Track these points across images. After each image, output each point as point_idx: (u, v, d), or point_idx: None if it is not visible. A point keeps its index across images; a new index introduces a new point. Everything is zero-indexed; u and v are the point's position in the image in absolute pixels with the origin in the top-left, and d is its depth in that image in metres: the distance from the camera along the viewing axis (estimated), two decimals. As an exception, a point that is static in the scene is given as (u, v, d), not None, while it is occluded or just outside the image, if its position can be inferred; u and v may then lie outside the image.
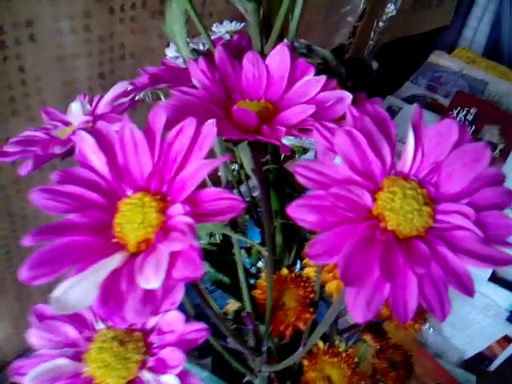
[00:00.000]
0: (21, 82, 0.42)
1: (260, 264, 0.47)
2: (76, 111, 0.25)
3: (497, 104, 0.99)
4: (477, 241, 0.18)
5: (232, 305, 0.49)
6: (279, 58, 0.26)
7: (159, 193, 0.21)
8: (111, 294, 0.18)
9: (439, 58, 1.06)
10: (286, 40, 0.27)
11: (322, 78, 0.25)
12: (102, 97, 0.28)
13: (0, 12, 0.38)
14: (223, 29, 0.40)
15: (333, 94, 0.25)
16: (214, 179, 0.38)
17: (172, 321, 0.20)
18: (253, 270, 0.44)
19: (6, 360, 0.59)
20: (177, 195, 0.20)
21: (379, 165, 0.19)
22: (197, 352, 0.69)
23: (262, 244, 0.37)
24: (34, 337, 0.21)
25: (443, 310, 0.17)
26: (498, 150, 0.91)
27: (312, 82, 0.25)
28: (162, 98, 0.36)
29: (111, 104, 0.26)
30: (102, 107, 0.26)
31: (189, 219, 0.18)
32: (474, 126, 0.93)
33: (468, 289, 0.17)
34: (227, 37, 0.42)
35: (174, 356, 0.20)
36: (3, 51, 0.39)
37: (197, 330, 0.20)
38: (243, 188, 0.48)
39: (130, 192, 0.21)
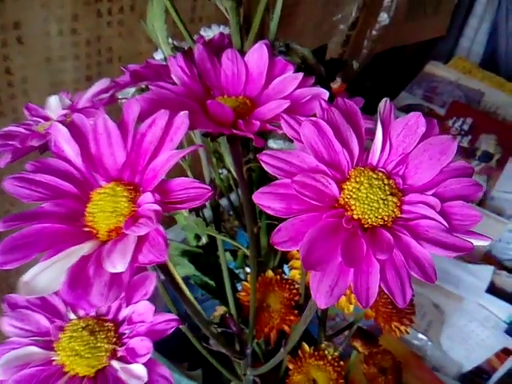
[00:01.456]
0: (7, 83, 0.43)
1: (248, 269, 0.47)
2: (54, 105, 0.26)
3: (493, 115, 0.99)
4: (441, 230, 0.18)
5: (219, 311, 0.49)
6: (258, 55, 0.26)
7: (132, 183, 0.21)
8: (78, 279, 0.18)
9: (435, 68, 1.07)
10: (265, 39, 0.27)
11: (299, 75, 0.25)
12: (83, 94, 0.28)
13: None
14: (211, 33, 0.41)
15: (309, 90, 0.25)
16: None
17: (142, 311, 0.21)
18: (242, 275, 0.44)
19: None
20: (148, 184, 0.20)
21: (346, 156, 0.19)
22: (187, 363, 0.69)
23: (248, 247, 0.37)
24: (6, 325, 0.21)
25: (404, 295, 0.17)
26: (494, 160, 0.91)
27: (289, 79, 0.25)
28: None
29: (91, 99, 0.26)
30: (82, 102, 0.27)
31: (156, 206, 0.18)
32: (470, 136, 0.93)
33: (429, 276, 0.17)
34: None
35: (142, 345, 0.20)
36: (-10, 53, 0.40)
37: (166, 321, 0.20)
38: (233, 195, 0.48)
39: (103, 182, 0.21)
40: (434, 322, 0.81)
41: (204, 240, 0.40)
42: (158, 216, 0.18)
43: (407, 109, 1.00)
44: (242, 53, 0.27)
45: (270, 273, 0.39)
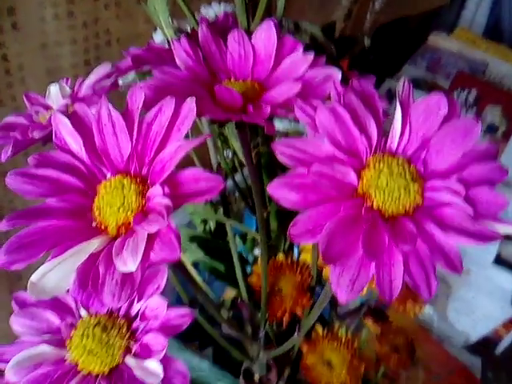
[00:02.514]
0: (4, 71, 0.41)
1: (256, 252, 0.46)
2: (55, 94, 0.25)
3: (498, 85, 0.97)
4: (466, 218, 0.17)
5: (229, 294, 0.49)
6: (265, 35, 0.25)
7: (139, 175, 0.20)
8: (89, 277, 0.17)
9: (438, 40, 1.04)
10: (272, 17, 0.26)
11: (310, 55, 0.24)
12: (84, 80, 0.27)
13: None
14: (211, 11, 0.39)
15: (321, 71, 0.24)
16: (207, 166, 0.38)
17: (155, 306, 0.20)
18: (250, 258, 0.43)
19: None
20: (156, 177, 0.19)
21: (364, 142, 0.18)
22: (197, 342, 0.69)
23: (258, 231, 0.36)
24: (16, 324, 0.20)
25: (429, 288, 0.16)
26: (500, 132, 0.90)
27: (299, 60, 0.24)
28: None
29: (93, 86, 0.25)
30: (84, 90, 0.26)
31: (166, 200, 0.17)
32: (475, 108, 0.91)
33: (455, 266, 0.16)
34: (216, 19, 0.41)
35: (157, 341, 0.19)
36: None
37: (180, 315, 0.20)
38: (238, 176, 0.47)
39: (109, 175, 0.20)
40: (441, 295, 0.81)
41: (212, 224, 0.39)
42: (168, 211, 0.17)
43: (412, 82, 0.98)
44: (249, 33, 0.26)
45: (280, 256, 0.38)
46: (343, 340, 0.38)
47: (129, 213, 0.19)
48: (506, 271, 0.82)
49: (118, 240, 0.18)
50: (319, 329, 0.39)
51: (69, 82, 0.28)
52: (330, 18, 0.66)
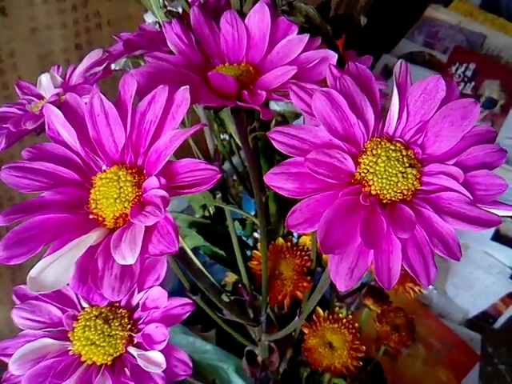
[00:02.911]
0: (-5, 58, 0.41)
1: (256, 235, 0.46)
2: (46, 84, 0.24)
3: (496, 58, 0.96)
4: (464, 202, 0.17)
5: (230, 277, 0.49)
6: (259, 17, 0.24)
7: (135, 166, 0.20)
8: (88, 271, 0.17)
9: (435, 12, 1.02)
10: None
11: (305, 37, 0.24)
12: (75, 67, 0.27)
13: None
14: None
15: (316, 53, 0.23)
16: (204, 150, 0.37)
17: (156, 297, 0.20)
18: (250, 241, 0.44)
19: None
20: (152, 167, 0.19)
21: (361, 127, 0.18)
22: (200, 325, 0.70)
23: (257, 215, 0.36)
24: (17, 317, 0.21)
25: (428, 274, 0.16)
26: (498, 106, 0.89)
27: (294, 42, 0.24)
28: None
29: (84, 74, 0.25)
30: (75, 78, 0.25)
31: (162, 192, 0.17)
32: (473, 82, 0.90)
33: (454, 252, 0.16)
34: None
35: (158, 332, 0.19)
36: (-27, 28, 0.38)
37: (181, 305, 0.20)
38: (235, 159, 0.47)
39: (104, 166, 0.20)
40: (439, 271, 0.82)
41: (211, 210, 0.39)
42: (165, 203, 0.17)
43: (409, 57, 0.97)
44: (242, 14, 0.25)
45: (280, 240, 0.38)
46: (344, 321, 0.39)
47: (125, 204, 0.19)
48: (504, 247, 0.82)
49: (116, 232, 0.18)
50: (320, 311, 0.39)
51: (60, 69, 0.28)
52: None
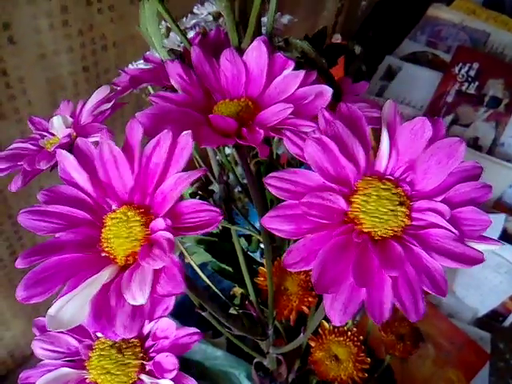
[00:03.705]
0: (5, 85, 0.42)
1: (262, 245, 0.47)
2: (58, 125, 0.26)
3: (500, 56, 0.96)
4: (451, 239, 0.18)
5: (238, 288, 0.50)
6: (257, 53, 0.26)
7: (143, 205, 0.21)
8: (102, 310, 0.18)
9: (438, 11, 1.02)
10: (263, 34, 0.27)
11: (301, 73, 0.25)
12: (84, 103, 0.28)
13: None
14: (205, 10, 0.39)
15: (312, 89, 0.24)
16: (208, 164, 0.39)
17: (165, 327, 0.21)
18: (258, 257, 0.45)
19: (24, 354, 0.62)
20: (159, 207, 0.20)
21: (353, 168, 0.19)
22: (211, 332, 0.71)
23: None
24: (38, 348, 0.22)
25: (417, 310, 0.17)
26: (502, 105, 0.89)
27: (290, 78, 0.25)
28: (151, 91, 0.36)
29: (93, 112, 0.26)
30: (85, 116, 0.27)
31: (169, 234, 0.19)
32: (477, 82, 0.90)
33: (441, 289, 0.17)
34: (209, 18, 0.41)
35: (168, 361, 0.21)
36: (-16, 58, 0.40)
37: (188, 335, 0.21)
38: (239, 168, 0.48)
39: (114, 206, 0.21)
40: (447, 271, 0.83)
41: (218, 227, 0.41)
42: (171, 247, 0.18)
43: (412, 58, 0.97)
44: (240, 50, 0.27)
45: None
46: (349, 334, 0.40)
47: (135, 243, 0.20)
48: (511, 246, 0.82)
49: (126, 273, 0.19)
50: (325, 324, 0.40)
51: (70, 104, 0.29)
52: (321, 15, 0.66)
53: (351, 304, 0.17)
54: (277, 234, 0.18)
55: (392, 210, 0.19)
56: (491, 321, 0.86)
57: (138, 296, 0.18)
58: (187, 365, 0.69)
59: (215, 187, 0.49)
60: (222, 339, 0.73)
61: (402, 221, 0.19)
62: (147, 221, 0.20)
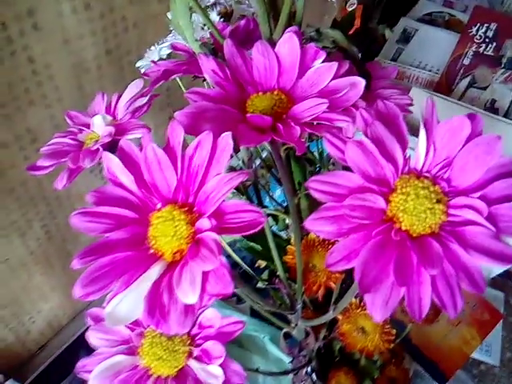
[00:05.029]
0: (32, 72, 0.43)
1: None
2: (99, 124, 0.26)
3: None
4: (488, 236, 0.19)
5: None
6: (289, 46, 0.26)
7: (186, 204, 0.22)
8: (156, 306, 0.20)
9: (454, -31, 0.98)
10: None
11: (334, 65, 0.25)
12: (119, 97, 0.29)
13: (0, 10, 0.38)
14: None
15: (345, 81, 0.25)
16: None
17: (210, 317, 0.23)
18: (284, 234, 0.46)
19: (61, 323, 0.66)
20: (202, 206, 0.21)
21: (391, 168, 0.19)
22: (235, 298, 0.74)
23: (287, 209, 0.38)
24: (93, 337, 0.24)
25: (455, 306, 0.18)
26: None
27: (324, 69, 0.25)
28: (179, 82, 0.37)
29: (128, 107, 0.27)
30: (122, 113, 0.27)
31: (215, 235, 0.19)
32: (494, 43, 0.87)
33: (479, 286, 0.18)
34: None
35: (216, 348, 0.22)
36: (10, 46, 0.40)
37: (233, 323, 0.23)
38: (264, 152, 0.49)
39: (159, 205, 0.22)
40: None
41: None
42: (219, 247, 0.19)
43: (429, 19, 0.94)
44: (272, 42, 0.27)
45: (312, 235, 0.40)
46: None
47: (181, 241, 0.21)
48: None
49: (176, 271, 0.20)
50: (352, 299, 0.42)
51: (105, 97, 0.30)
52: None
53: (391, 301, 0.18)
54: (319, 235, 0.19)
55: (430, 208, 0.19)
56: (506, 280, 0.86)
57: (189, 294, 0.19)
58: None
59: (234, 162, 0.50)
60: (246, 305, 0.75)
61: (440, 218, 0.19)
62: (192, 219, 0.21)
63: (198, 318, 0.24)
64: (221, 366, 0.22)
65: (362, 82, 0.24)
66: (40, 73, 0.43)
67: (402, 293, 0.18)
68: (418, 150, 0.20)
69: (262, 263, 0.56)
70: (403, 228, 0.19)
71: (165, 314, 0.19)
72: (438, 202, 0.19)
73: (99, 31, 0.46)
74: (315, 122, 0.24)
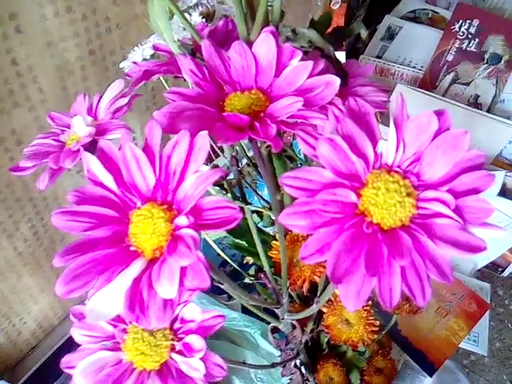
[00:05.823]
0: (16, 74, 0.43)
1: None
2: (78, 125, 0.27)
3: (500, 11, 0.94)
4: (456, 227, 0.19)
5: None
6: (265, 45, 0.26)
7: (165, 202, 0.23)
8: (136, 302, 0.20)
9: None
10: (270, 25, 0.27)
11: (309, 64, 0.25)
12: (100, 97, 0.29)
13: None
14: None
15: (321, 79, 0.25)
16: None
17: (191, 311, 0.23)
18: (271, 231, 0.47)
19: (52, 324, 0.66)
20: (181, 203, 0.22)
21: (362, 163, 0.20)
22: (226, 295, 0.75)
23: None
24: (76, 334, 0.24)
25: (424, 295, 0.19)
26: (503, 61, 0.88)
27: (299, 69, 0.26)
28: (164, 82, 0.37)
29: (109, 108, 0.27)
30: (102, 113, 0.28)
31: (193, 232, 0.20)
32: (477, 39, 0.89)
33: (446, 276, 0.19)
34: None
35: (197, 342, 0.23)
36: (-7, 49, 0.40)
37: (213, 317, 0.23)
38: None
39: (139, 203, 0.23)
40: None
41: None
42: (196, 243, 0.20)
43: (413, 16, 0.95)
44: (249, 41, 0.27)
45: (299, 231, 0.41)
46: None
47: (160, 238, 0.22)
48: (511, 201, 0.83)
49: (155, 267, 0.21)
50: (336, 291, 0.42)
51: (86, 98, 0.30)
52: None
53: (363, 291, 0.19)
54: (293, 229, 0.19)
55: (399, 202, 0.20)
56: (491, 271, 0.88)
57: (167, 289, 0.19)
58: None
59: (219, 162, 0.50)
60: (237, 301, 0.76)
61: (410, 211, 0.20)
62: (171, 216, 0.22)
63: (179, 312, 0.24)
64: (202, 359, 0.22)
65: (336, 81, 0.25)
66: (24, 75, 0.44)
67: (373, 283, 0.19)
68: (389, 146, 0.21)
69: (250, 259, 0.57)
70: (374, 221, 0.20)
71: (144, 310, 0.20)
72: (408, 195, 0.20)
73: (82, 32, 0.46)
74: (292, 120, 0.25)
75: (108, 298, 0.21)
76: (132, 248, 0.22)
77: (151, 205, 0.22)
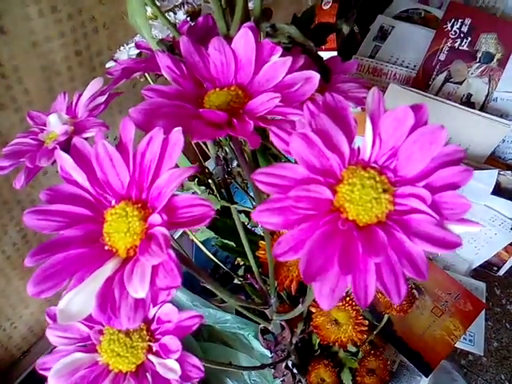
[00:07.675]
0: (0, 75, 0.43)
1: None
2: (55, 123, 0.26)
3: (492, 9, 0.94)
4: (432, 223, 0.19)
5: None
6: (244, 41, 0.26)
7: (140, 200, 0.22)
8: (107, 302, 0.20)
9: (430, -34, 0.99)
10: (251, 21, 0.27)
11: (288, 60, 0.25)
12: (80, 96, 0.29)
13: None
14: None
15: (300, 75, 0.25)
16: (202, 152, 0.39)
17: (168, 312, 0.23)
18: (259, 230, 0.46)
19: (43, 328, 0.65)
20: (155, 202, 0.22)
21: (337, 159, 0.20)
22: (220, 298, 0.74)
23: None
24: (51, 336, 0.24)
25: (399, 292, 0.18)
26: (495, 60, 0.88)
27: (279, 64, 0.25)
28: (149, 78, 0.37)
29: (88, 106, 0.27)
30: (81, 111, 0.27)
31: (164, 230, 0.20)
32: (469, 38, 0.88)
33: (421, 273, 0.18)
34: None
35: (173, 343, 0.22)
36: (-23, 51, 0.40)
37: (190, 318, 0.23)
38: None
39: (113, 201, 0.22)
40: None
41: (218, 206, 0.42)
42: (167, 242, 0.19)
43: (405, 16, 0.95)
44: (229, 37, 0.27)
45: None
46: (347, 299, 0.42)
47: (134, 237, 0.21)
48: (504, 200, 0.82)
49: (128, 266, 0.20)
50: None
51: (66, 97, 0.30)
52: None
53: (338, 289, 0.18)
54: (266, 226, 0.19)
55: (375, 198, 0.19)
56: (486, 270, 0.88)
57: (139, 289, 0.19)
58: (197, 329, 0.72)
59: (211, 164, 0.50)
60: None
61: (386, 207, 0.20)
62: (145, 215, 0.22)
63: (156, 313, 0.24)
64: (178, 360, 0.22)
65: (316, 76, 0.25)
66: (8, 76, 0.43)
67: (348, 282, 0.19)
68: (365, 141, 0.21)
69: (240, 260, 0.57)
70: (350, 218, 0.20)
71: (115, 310, 0.19)
72: (384, 191, 0.20)
73: (68, 33, 0.46)
74: (270, 117, 0.24)
75: (79, 299, 0.20)
76: (106, 247, 0.22)
77: (125, 203, 0.22)
